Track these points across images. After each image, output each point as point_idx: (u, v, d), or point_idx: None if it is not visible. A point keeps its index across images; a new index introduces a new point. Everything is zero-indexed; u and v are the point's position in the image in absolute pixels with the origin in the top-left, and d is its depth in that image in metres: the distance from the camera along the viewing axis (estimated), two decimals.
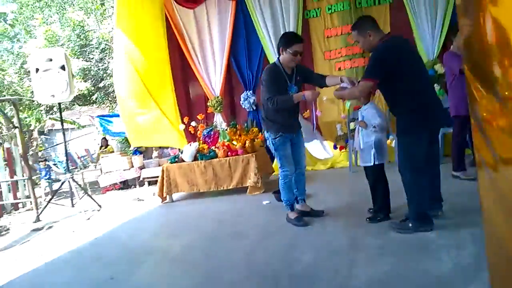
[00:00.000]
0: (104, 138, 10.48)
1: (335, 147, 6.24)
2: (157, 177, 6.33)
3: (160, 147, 8.37)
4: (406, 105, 2.90)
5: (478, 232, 2.71)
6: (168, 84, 7.00)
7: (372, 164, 3.24)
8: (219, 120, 6.94)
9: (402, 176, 2.99)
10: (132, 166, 8.06)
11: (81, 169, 10.24)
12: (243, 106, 6.86)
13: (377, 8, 6.24)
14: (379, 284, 2.26)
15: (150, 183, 7.65)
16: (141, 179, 7.92)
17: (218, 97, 6.90)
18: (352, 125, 5.91)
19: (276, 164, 6.15)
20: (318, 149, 6.21)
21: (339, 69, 6.40)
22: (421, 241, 2.77)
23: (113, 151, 9.52)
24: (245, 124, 5.77)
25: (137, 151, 8.42)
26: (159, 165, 6.79)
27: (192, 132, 6.74)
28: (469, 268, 2.27)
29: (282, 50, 3.39)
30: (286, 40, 3.39)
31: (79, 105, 16.86)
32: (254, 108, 6.80)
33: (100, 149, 9.99)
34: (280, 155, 3.55)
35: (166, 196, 5.39)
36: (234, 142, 5.40)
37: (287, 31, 6.34)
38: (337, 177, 5.45)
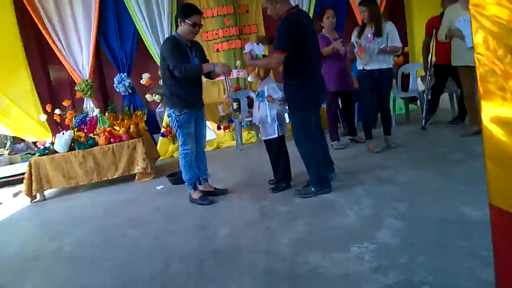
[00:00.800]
0: None
1: (218, 128, 6.27)
2: (11, 176, 5.62)
3: (11, 142, 7.16)
4: (299, 79, 3.05)
5: (369, 188, 3.11)
6: (23, 69, 6.11)
7: (276, 136, 3.35)
8: (89, 105, 6.31)
9: (299, 147, 3.18)
10: None
11: None
12: (117, 90, 6.35)
13: None
14: (301, 242, 2.39)
15: (4, 185, 6.52)
16: None
17: (87, 80, 6.24)
18: (235, 105, 6.03)
19: (161, 147, 5.94)
20: None
21: (217, 50, 6.41)
22: (324, 202, 3.01)
23: None
24: (126, 108, 5.35)
25: None
26: (11, 163, 5.81)
27: (58, 120, 6.03)
28: (373, 218, 2.56)
29: (180, 21, 3.25)
30: (185, 11, 3.26)
31: None
32: (130, 91, 6.36)
33: None
34: (184, 132, 3.42)
35: (36, 195, 4.71)
36: (116, 128, 4.98)
37: (164, 11, 6.09)
38: (226, 156, 5.48)
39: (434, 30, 4.64)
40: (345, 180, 3.44)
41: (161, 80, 3.51)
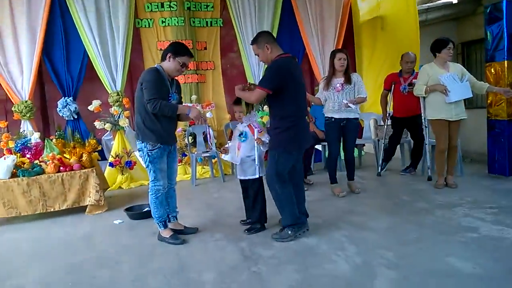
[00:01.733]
0: None
1: None
2: None
3: None
4: (285, 121, 3.13)
5: (348, 233, 3.24)
6: None
7: (258, 176, 3.38)
8: (27, 128, 5.78)
9: (270, 187, 3.21)
10: None
11: None
12: (61, 114, 5.92)
13: (208, 29, 6.54)
14: None
15: None
16: None
17: (26, 101, 5.74)
18: (190, 138, 5.95)
19: (109, 178, 5.60)
20: None
21: None
22: (307, 246, 3.08)
23: None
24: (77, 135, 4.99)
25: None
26: None
27: None
28: (364, 267, 2.66)
29: (170, 57, 3.22)
30: (178, 49, 3.26)
31: None
32: (76, 116, 5.98)
33: None
34: (156, 168, 3.30)
35: None
36: (66, 156, 4.62)
37: (119, 39, 5.92)
38: (183, 191, 5.30)
39: (394, 85, 5.11)
40: (320, 224, 3.56)
41: (135, 110, 3.37)
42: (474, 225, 3.28)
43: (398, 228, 3.34)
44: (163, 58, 3.30)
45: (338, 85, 4.26)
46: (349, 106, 4.17)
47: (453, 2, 6.33)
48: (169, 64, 3.25)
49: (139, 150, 3.37)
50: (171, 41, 6.24)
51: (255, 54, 3.29)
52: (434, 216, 3.58)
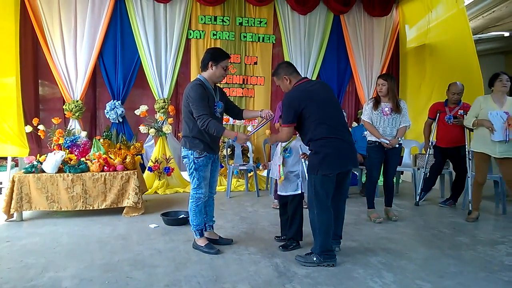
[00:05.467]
0: None
1: None
2: None
3: None
4: (315, 144, 3.10)
5: (385, 261, 3.17)
6: (12, 75, 5.78)
7: (300, 192, 3.38)
8: (76, 127, 6.04)
9: (309, 211, 3.16)
10: None
11: None
12: (107, 116, 6.16)
13: (261, 44, 6.66)
14: None
15: None
16: None
17: (77, 101, 6.02)
18: (229, 150, 6.03)
19: (148, 183, 5.74)
20: None
21: None
22: (342, 269, 3.03)
23: None
24: (123, 137, 5.19)
25: None
26: None
27: (43, 137, 5.72)
28: None
29: (211, 65, 3.30)
30: (218, 55, 3.34)
31: None
32: (121, 120, 6.19)
33: None
34: (200, 175, 3.37)
35: (13, 214, 4.36)
36: (111, 156, 4.79)
37: (171, 49, 6.14)
38: (216, 201, 5.31)
39: (439, 114, 5.02)
40: (356, 247, 3.51)
41: (183, 120, 3.46)
42: None
43: (437, 261, 3.24)
44: (204, 68, 3.36)
45: (386, 108, 4.23)
46: (390, 146, 4.18)
47: (504, 35, 6.19)
48: (212, 72, 3.32)
49: (184, 158, 3.44)
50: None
51: (277, 85, 3.41)
52: (475, 252, 3.45)
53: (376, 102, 4.30)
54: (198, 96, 3.21)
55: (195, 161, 3.33)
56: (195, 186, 3.41)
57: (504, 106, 4.17)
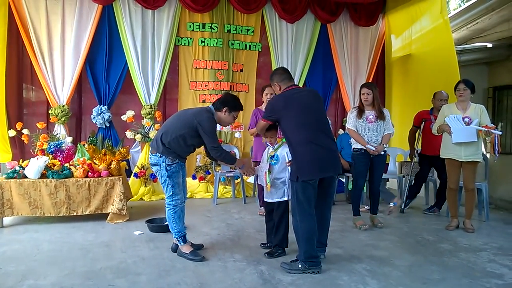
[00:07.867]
0: None
1: (193, 177, 6.18)
2: None
3: None
4: (294, 149, 3.13)
5: (369, 268, 3.18)
6: None
7: (286, 199, 3.39)
8: (61, 131, 5.96)
9: (293, 215, 3.16)
10: None
11: None
12: (94, 121, 6.09)
13: (247, 52, 6.69)
14: None
15: None
16: None
17: (63, 106, 5.94)
18: None
19: (133, 189, 5.68)
20: None
21: (203, 101, 6.45)
22: (327, 276, 3.03)
23: None
24: (108, 143, 5.13)
25: None
26: None
27: (26, 141, 5.62)
28: None
29: (226, 111, 3.43)
30: (235, 105, 3.50)
31: None
32: (108, 125, 6.13)
33: None
34: (174, 182, 3.41)
35: None
36: (96, 162, 4.73)
37: (159, 55, 6.13)
38: (203, 208, 5.35)
39: (424, 122, 5.09)
40: (341, 254, 3.52)
41: (169, 127, 3.41)
42: (500, 271, 3.18)
43: (420, 267, 3.26)
44: (218, 108, 3.44)
45: (371, 116, 4.28)
46: (376, 153, 4.21)
47: (487, 46, 6.32)
48: (224, 117, 3.46)
49: (154, 165, 3.43)
50: (207, 61, 6.45)
51: (271, 94, 3.67)
52: (458, 258, 3.49)
53: (360, 110, 4.34)
54: (213, 129, 3.39)
55: (167, 168, 3.35)
56: (171, 193, 3.42)
57: (467, 112, 4.27)
